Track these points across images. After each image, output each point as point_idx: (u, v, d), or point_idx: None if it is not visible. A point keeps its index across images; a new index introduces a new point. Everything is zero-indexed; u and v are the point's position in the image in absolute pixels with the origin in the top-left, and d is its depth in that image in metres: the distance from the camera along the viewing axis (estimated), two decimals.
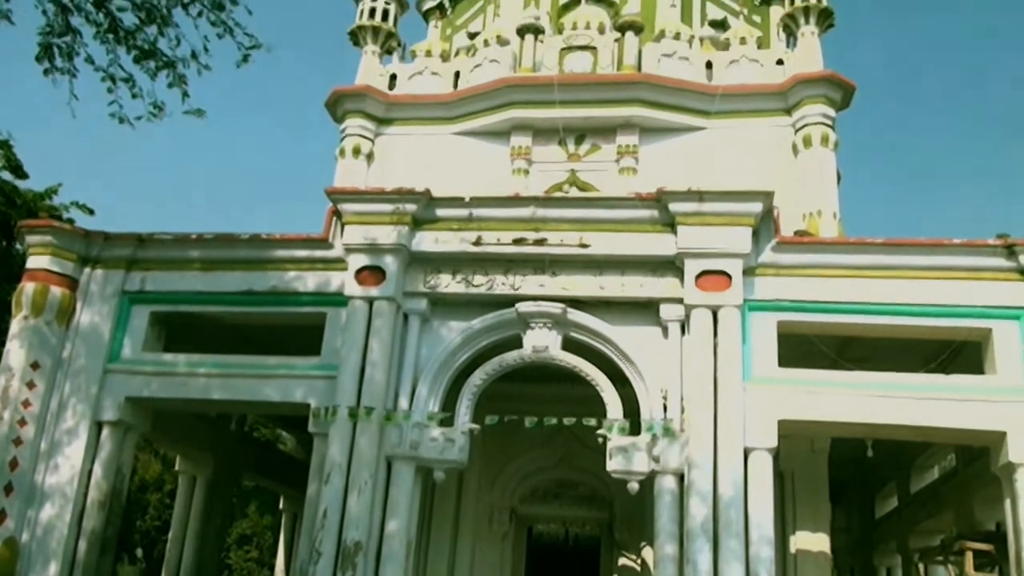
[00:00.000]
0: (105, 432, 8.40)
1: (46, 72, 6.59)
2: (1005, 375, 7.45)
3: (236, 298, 8.41)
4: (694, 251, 7.74)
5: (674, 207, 7.77)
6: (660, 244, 7.87)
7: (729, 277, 7.65)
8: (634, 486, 7.52)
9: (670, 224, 7.84)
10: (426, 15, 14.84)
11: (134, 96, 6.74)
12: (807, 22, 11.92)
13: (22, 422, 8.21)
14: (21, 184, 12.60)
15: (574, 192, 10.17)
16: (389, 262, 8.08)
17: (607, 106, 11.04)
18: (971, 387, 7.44)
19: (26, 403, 8.22)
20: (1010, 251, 7.57)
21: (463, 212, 8.06)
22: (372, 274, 8.10)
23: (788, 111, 11.10)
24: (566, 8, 12.89)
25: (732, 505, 7.03)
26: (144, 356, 8.55)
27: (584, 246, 7.91)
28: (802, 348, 7.86)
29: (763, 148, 10.90)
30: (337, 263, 8.31)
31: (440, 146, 11.45)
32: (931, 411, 7.31)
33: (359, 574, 7.19)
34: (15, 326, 8.48)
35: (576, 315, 7.98)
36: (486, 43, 12.31)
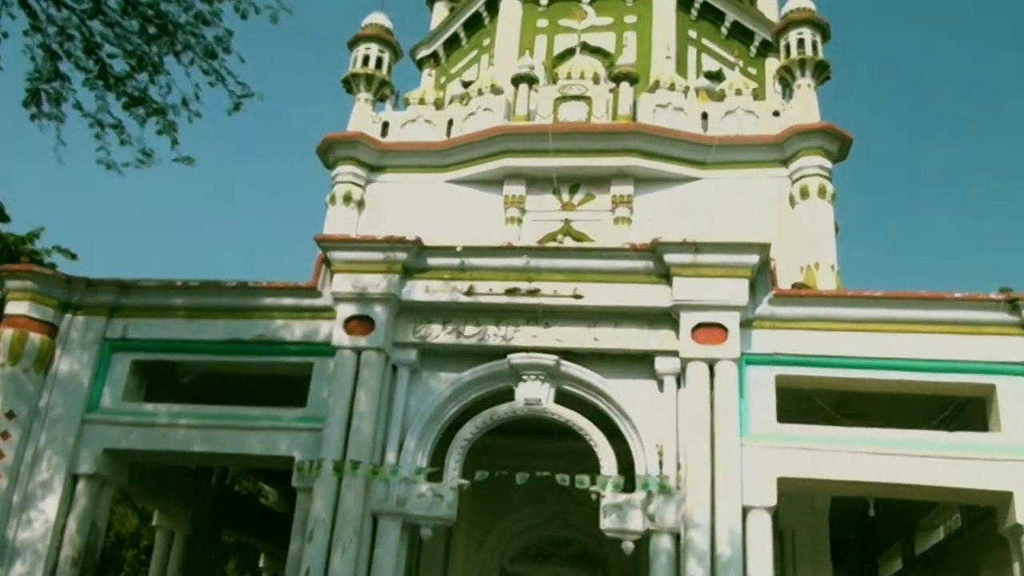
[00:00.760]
0: (81, 485, 8.25)
1: (33, 117, 6.61)
2: (1010, 433, 7.39)
3: (221, 347, 8.35)
4: (690, 303, 7.75)
5: (669, 258, 7.80)
6: (655, 295, 7.87)
7: (726, 330, 7.65)
8: (629, 546, 7.42)
9: (665, 275, 7.86)
10: (420, 63, 15.08)
11: (123, 143, 6.74)
12: (803, 74, 12.10)
13: None
14: (2, 227, 12.60)
15: (568, 242, 10.22)
16: (378, 312, 8.05)
17: (602, 155, 11.11)
18: (975, 445, 7.37)
19: None
20: (1013, 305, 7.56)
21: (455, 261, 8.06)
22: (361, 324, 8.06)
23: (785, 162, 11.19)
24: (561, 58, 13.06)
25: (731, 566, 6.95)
26: (124, 406, 8.44)
27: (578, 297, 7.92)
28: (800, 403, 7.83)
29: (760, 199, 10.97)
30: (325, 312, 8.27)
31: (432, 194, 11.51)
32: (934, 470, 7.24)
33: None
34: None
35: (569, 367, 7.96)
36: (480, 92, 12.43)
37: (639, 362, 7.94)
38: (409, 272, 8.14)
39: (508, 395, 8.01)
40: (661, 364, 7.86)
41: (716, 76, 13.18)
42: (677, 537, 7.21)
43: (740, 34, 13.97)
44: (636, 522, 7.31)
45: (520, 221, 10.95)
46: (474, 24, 14.50)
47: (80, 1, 6.33)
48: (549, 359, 7.94)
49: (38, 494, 8.08)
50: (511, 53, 13.22)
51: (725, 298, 7.69)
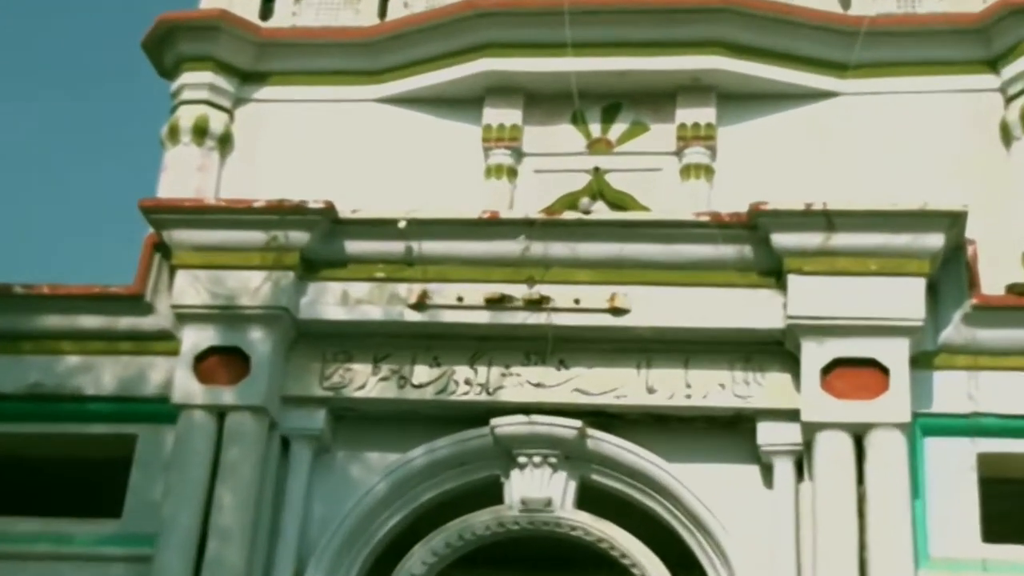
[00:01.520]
0: None
1: None
2: None
3: None
4: (818, 321, 6.91)
5: (780, 239, 6.99)
6: (756, 308, 7.08)
7: (885, 372, 6.84)
8: None
9: (773, 271, 7.07)
10: None
11: None
12: None
13: None
14: None
15: (600, 212, 8.96)
16: (257, 340, 7.27)
17: (661, 51, 9.64)
18: None
19: None
20: None
21: (395, 247, 7.32)
22: (225, 363, 7.31)
23: (992, 64, 9.69)
24: None
25: None
26: None
27: (618, 312, 7.08)
28: (1008, 502, 7.10)
29: (942, 131, 9.58)
30: (158, 341, 7.56)
31: (353, 124, 10.10)
32: None
33: None
34: None
35: (603, 441, 7.14)
36: None
37: (728, 432, 7.19)
38: (313, 267, 7.38)
39: (492, 491, 7.24)
40: (768, 434, 7.04)
41: None
42: None
43: None
44: None
45: (513, 173, 9.58)
46: None
47: None
48: (566, 426, 7.09)
49: None
50: None
51: (884, 312, 6.87)
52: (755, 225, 7.07)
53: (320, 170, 9.51)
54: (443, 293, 7.29)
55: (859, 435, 6.77)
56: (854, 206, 7.03)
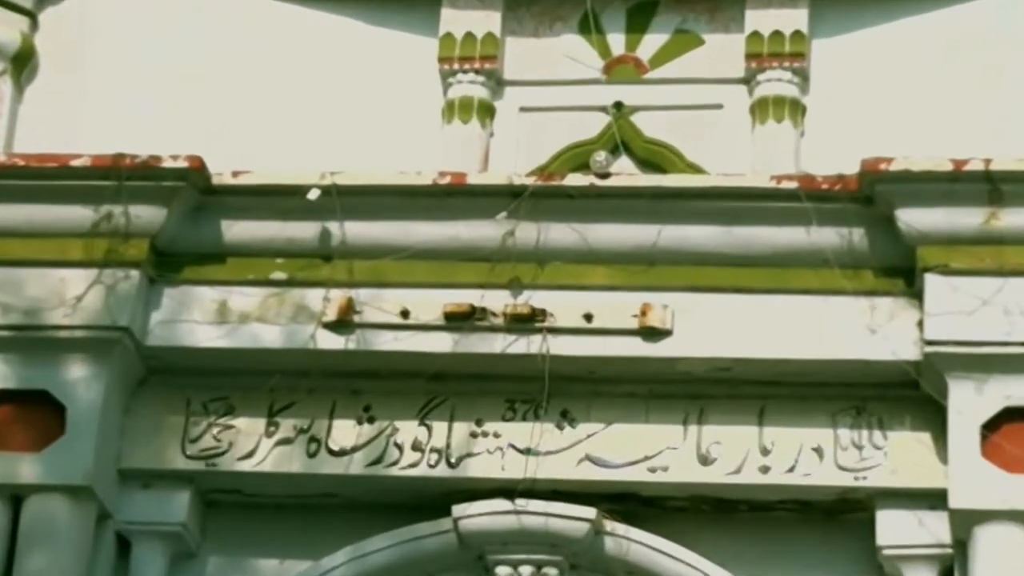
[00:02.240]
0: None
1: None
2: None
3: None
4: (975, 348, 6.03)
5: (913, 217, 6.14)
6: (872, 326, 6.19)
7: None
8: None
9: (900, 268, 6.24)
10: None
11: None
12: None
13: None
14: None
15: (622, 173, 7.63)
16: (77, 381, 6.40)
17: None
18: None
19: None
20: None
21: (303, 230, 6.52)
22: (22, 415, 6.41)
23: None
24: None
25: None
26: None
27: (654, 333, 6.24)
28: None
29: None
30: None
31: (235, 33, 8.60)
32: None
33: None
34: None
35: (630, 541, 6.25)
36: None
37: (829, 525, 6.36)
38: (171, 263, 6.56)
39: None
40: (893, 529, 6.09)
41: None
42: None
43: None
44: None
45: (487, 111, 8.33)
46: None
47: None
48: (573, 517, 6.26)
49: None
50: None
51: None
52: (871, 195, 6.17)
53: (183, 109, 8.11)
54: (379, 304, 6.38)
55: None
56: None
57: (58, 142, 7.33)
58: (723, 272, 6.27)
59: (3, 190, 6.50)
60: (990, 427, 5.83)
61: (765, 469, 6.06)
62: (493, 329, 6.22)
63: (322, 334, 6.26)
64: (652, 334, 6.14)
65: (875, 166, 6.08)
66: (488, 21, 8.03)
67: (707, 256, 6.25)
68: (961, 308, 5.93)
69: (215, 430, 6.37)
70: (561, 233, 6.33)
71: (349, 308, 6.26)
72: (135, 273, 6.32)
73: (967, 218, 5.98)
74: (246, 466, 6.32)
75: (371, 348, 6.27)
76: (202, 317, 6.38)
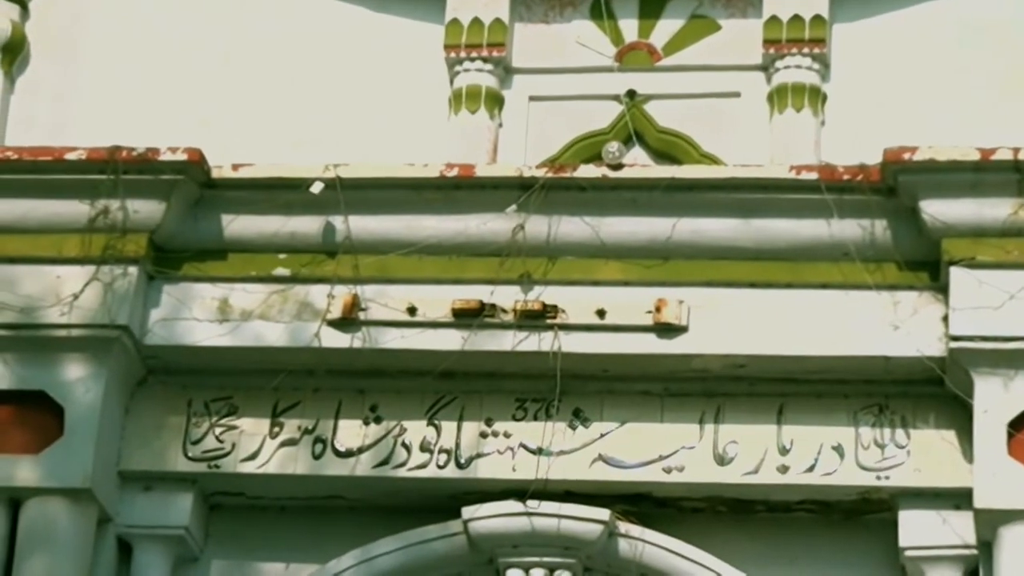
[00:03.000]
0: None
1: None
2: None
3: None
4: (1002, 344, 5.99)
5: (938, 208, 6.11)
6: (894, 322, 6.13)
7: None
8: None
9: (924, 262, 6.18)
10: None
11: None
12: None
13: None
14: None
15: (636, 164, 7.63)
16: (75, 382, 6.36)
17: None
18: None
19: None
20: None
21: (307, 225, 6.49)
22: (20, 416, 6.37)
23: None
24: None
25: None
26: None
27: (669, 329, 6.22)
28: None
29: None
30: None
31: (239, 23, 8.50)
32: None
33: None
34: None
35: (645, 543, 6.20)
36: None
37: (850, 526, 6.34)
38: (171, 259, 6.54)
39: None
40: (916, 530, 6.03)
41: None
42: None
43: None
44: None
45: (496, 101, 8.26)
46: None
47: None
48: (586, 519, 6.22)
49: None
50: None
51: None
52: (894, 186, 6.12)
53: (180, 99, 8.03)
54: (385, 301, 6.38)
55: None
56: None
57: (52, 135, 7.34)
58: (740, 266, 6.23)
59: None
60: (1017, 425, 5.79)
61: (784, 469, 6.02)
62: (503, 326, 6.19)
63: (327, 332, 6.22)
64: (667, 330, 6.11)
65: (898, 156, 6.01)
66: (496, 6, 7.98)
67: (724, 250, 6.22)
68: (988, 302, 5.86)
69: (217, 431, 6.36)
70: (573, 227, 6.30)
71: (354, 305, 6.22)
72: (133, 270, 6.30)
73: (994, 210, 5.92)
74: (250, 468, 6.30)
75: (377, 346, 6.23)
76: (203, 315, 6.36)
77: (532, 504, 6.17)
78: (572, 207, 6.36)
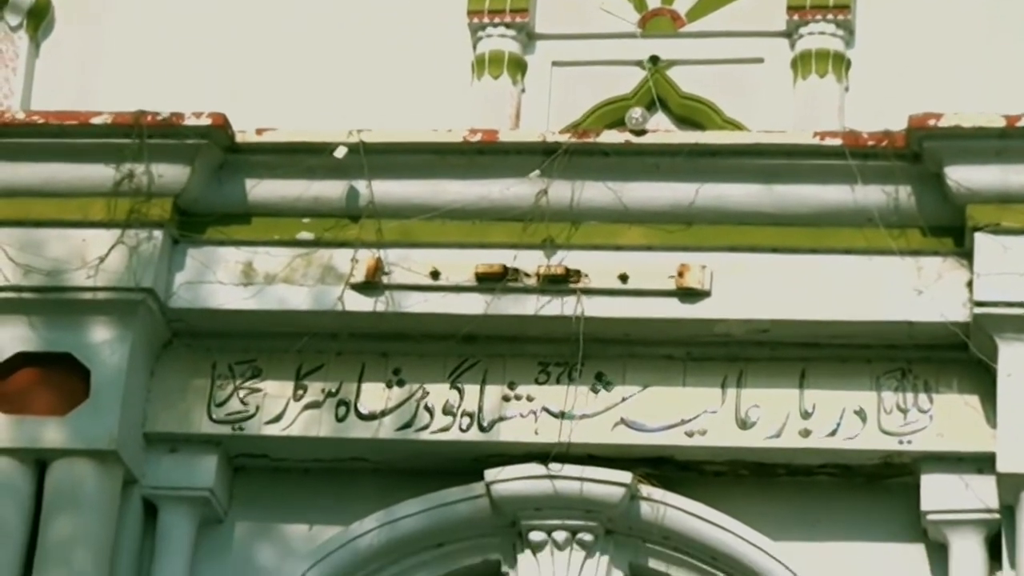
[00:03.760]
0: None
1: None
2: None
3: None
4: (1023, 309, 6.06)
5: (962, 174, 6.10)
6: (918, 287, 6.14)
7: None
8: None
9: (948, 228, 6.18)
10: None
11: None
12: None
13: None
14: None
15: (659, 130, 7.71)
16: (100, 344, 6.42)
17: None
18: None
19: None
20: None
21: (330, 189, 6.49)
22: (46, 379, 6.44)
23: None
24: None
25: None
26: None
27: (692, 294, 6.24)
28: None
29: None
30: None
31: None
32: None
33: None
34: None
35: (666, 506, 6.26)
36: None
37: (872, 490, 6.34)
38: (195, 223, 6.59)
39: None
40: (939, 494, 6.06)
41: None
42: None
43: None
44: None
45: (518, 67, 8.31)
46: None
47: None
48: (608, 482, 6.26)
49: None
50: None
51: None
52: (919, 152, 6.11)
53: (205, 64, 8.11)
54: (408, 265, 6.41)
55: None
56: None
57: (77, 99, 7.47)
58: (763, 232, 6.26)
59: (22, 148, 6.52)
60: None
61: (806, 433, 6.06)
62: (526, 290, 6.23)
63: (350, 296, 6.28)
64: (689, 295, 6.15)
65: (923, 122, 6.03)
66: None
67: (747, 215, 6.26)
68: (1012, 268, 5.89)
69: (242, 393, 6.43)
70: (596, 192, 6.32)
71: (378, 269, 6.28)
72: (158, 233, 6.37)
73: (1019, 176, 5.94)
74: (274, 430, 6.37)
75: (400, 310, 6.29)
76: (227, 278, 6.42)
77: (554, 467, 6.23)
78: (595, 172, 6.39)
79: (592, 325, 6.18)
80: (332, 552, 6.31)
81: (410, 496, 6.35)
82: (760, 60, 7.80)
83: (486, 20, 7.99)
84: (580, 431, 6.21)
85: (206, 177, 6.50)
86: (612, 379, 6.35)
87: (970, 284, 5.98)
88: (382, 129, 6.53)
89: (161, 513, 6.43)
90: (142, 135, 6.43)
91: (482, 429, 6.33)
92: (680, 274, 6.18)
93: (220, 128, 6.37)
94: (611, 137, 6.69)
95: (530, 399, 6.33)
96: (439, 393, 6.36)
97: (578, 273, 6.23)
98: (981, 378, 6.04)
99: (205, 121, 6.38)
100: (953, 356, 6.10)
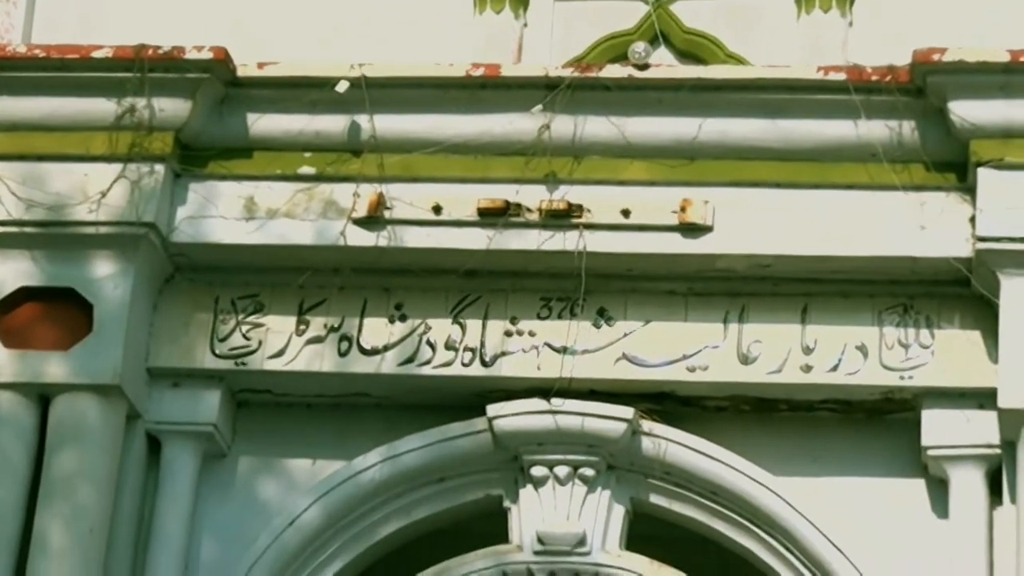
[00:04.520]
0: None
1: None
2: None
3: None
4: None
5: (966, 109, 6.09)
6: (921, 222, 6.17)
7: None
8: None
9: (952, 163, 6.20)
10: None
11: None
12: None
13: None
14: None
15: (662, 64, 7.58)
16: (103, 279, 6.43)
17: None
18: None
19: None
20: None
21: (332, 124, 6.49)
22: (49, 314, 6.48)
23: None
24: None
25: None
26: None
27: (694, 229, 6.27)
28: None
29: None
30: None
31: None
32: None
33: None
34: None
35: (668, 441, 6.28)
36: None
37: (873, 426, 6.36)
38: (197, 157, 6.56)
39: (493, 522, 6.57)
40: (939, 430, 6.10)
41: None
42: None
43: None
44: None
45: (520, 2, 8.32)
46: None
47: None
48: (610, 417, 6.27)
49: None
50: None
51: None
52: (923, 87, 6.11)
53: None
54: (410, 199, 6.40)
55: None
56: None
57: (78, 33, 7.52)
58: (766, 166, 6.26)
59: (24, 82, 6.52)
60: None
61: (807, 368, 6.10)
62: (528, 225, 6.24)
63: (352, 230, 6.29)
64: (692, 230, 6.16)
65: (927, 57, 6.03)
66: None
67: (750, 150, 6.24)
68: (1015, 203, 5.90)
69: (244, 328, 6.46)
70: (598, 126, 6.31)
71: (380, 204, 6.29)
72: (160, 168, 6.37)
73: (1023, 111, 5.94)
74: (276, 365, 6.40)
75: (402, 245, 6.31)
76: (229, 213, 6.43)
77: (556, 402, 6.27)
78: (598, 107, 6.39)
79: (594, 260, 6.20)
80: (335, 487, 6.34)
81: (412, 431, 6.40)
82: None
83: None
84: (582, 366, 6.25)
85: (207, 111, 6.50)
86: (614, 314, 6.36)
87: (973, 219, 5.99)
88: (384, 63, 6.53)
89: (164, 448, 6.48)
90: (143, 69, 6.42)
91: (484, 364, 6.35)
92: (682, 209, 6.18)
93: (221, 62, 6.36)
94: (614, 72, 6.66)
95: (532, 334, 6.35)
96: (441, 328, 6.39)
97: (580, 208, 6.24)
98: (983, 313, 6.08)
99: (207, 55, 6.36)
100: (955, 291, 6.12)
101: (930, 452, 6.06)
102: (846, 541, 6.05)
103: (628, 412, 6.18)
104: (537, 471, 6.29)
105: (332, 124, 6.45)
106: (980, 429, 5.99)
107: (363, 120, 6.41)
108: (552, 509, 6.27)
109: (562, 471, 6.28)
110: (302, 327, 6.46)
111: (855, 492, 6.20)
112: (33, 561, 6.24)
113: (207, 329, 6.54)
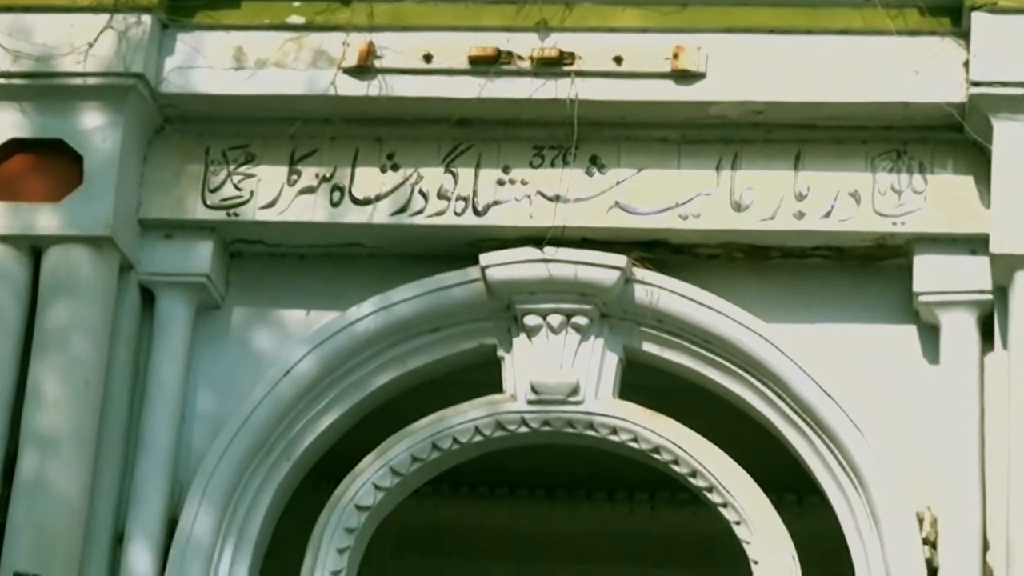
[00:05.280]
0: None
1: None
2: None
3: None
4: (1020, 88, 6.00)
5: None
6: (913, 66, 6.13)
7: None
8: None
9: (944, 6, 6.15)
10: None
11: None
12: None
13: None
14: None
15: None
16: (92, 130, 6.39)
17: None
18: None
19: None
20: None
21: None
22: (38, 165, 6.46)
23: None
24: None
25: None
26: None
27: (687, 76, 6.20)
28: None
29: None
30: None
31: None
32: None
33: None
34: None
35: (660, 289, 6.32)
36: None
37: (865, 272, 6.42)
38: (184, 7, 6.53)
39: (486, 371, 6.61)
40: (932, 275, 6.16)
41: None
42: None
43: None
44: None
45: None
46: None
47: None
48: (602, 265, 6.33)
49: None
50: None
51: None
52: None
53: None
54: (400, 48, 6.33)
55: None
56: None
57: None
58: (759, 12, 6.18)
59: None
60: None
61: (800, 215, 6.11)
62: (520, 73, 6.19)
63: (342, 80, 6.24)
64: (685, 77, 6.11)
65: None
66: None
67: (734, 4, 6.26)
68: (1009, 48, 5.87)
69: (236, 179, 6.43)
70: None
71: (370, 53, 6.23)
72: (147, 18, 6.29)
73: None
74: (268, 215, 6.40)
75: (393, 94, 6.24)
76: (217, 63, 6.38)
77: (549, 251, 6.29)
78: None
79: (586, 108, 6.16)
80: (329, 337, 6.38)
81: (405, 281, 6.41)
82: None
83: None
84: (574, 214, 6.28)
85: None
86: (606, 162, 6.35)
87: (967, 64, 5.97)
88: None
89: (158, 299, 6.52)
90: None
91: (477, 213, 6.36)
92: (675, 56, 6.13)
93: None
94: None
95: (524, 183, 6.35)
96: (433, 177, 6.38)
97: (572, 55, 6.19)
98: (976, 159, 6.07)
99: None
100: (948, 137, 6.12)
101: (922, 298, 6.09)
102: (837, 387, 6.10)
103: (621, 260, 6.21)
104: (530, 320, 6.34)
105: None
106: (972, 275, 6.03)
107: None
108: (545, 358, 6.33)
109: (555, 320, 6.32)
110: (294, 177, 6.44)
111: (847, 338, 6.24)
112: (29, 413, 6.28)
113: (198, 180, 6.51)
